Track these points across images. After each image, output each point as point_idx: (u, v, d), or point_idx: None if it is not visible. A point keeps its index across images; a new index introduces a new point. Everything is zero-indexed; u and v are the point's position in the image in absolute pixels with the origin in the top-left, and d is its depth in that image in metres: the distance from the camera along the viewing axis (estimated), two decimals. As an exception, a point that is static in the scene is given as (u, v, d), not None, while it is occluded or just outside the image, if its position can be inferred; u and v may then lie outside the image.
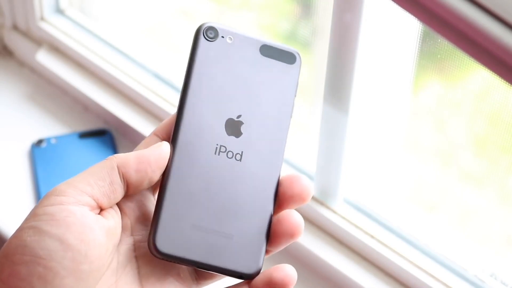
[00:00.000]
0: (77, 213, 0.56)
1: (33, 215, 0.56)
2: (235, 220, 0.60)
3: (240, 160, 0.61)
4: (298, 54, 0.64)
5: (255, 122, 0.62)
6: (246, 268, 0.59)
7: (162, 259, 0.58)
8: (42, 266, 0.54)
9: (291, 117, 0.64)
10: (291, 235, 0.59)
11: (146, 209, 0.60)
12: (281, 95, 0.64)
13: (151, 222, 0.59)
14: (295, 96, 0.64)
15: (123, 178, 0.58)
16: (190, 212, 0.59)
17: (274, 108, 0.63)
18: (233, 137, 0.61)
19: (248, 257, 0.59)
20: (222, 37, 0.63)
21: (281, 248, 0.60)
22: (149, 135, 0.63)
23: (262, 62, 0.64)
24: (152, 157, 0.58)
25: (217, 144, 0.61)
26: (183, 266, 0.60)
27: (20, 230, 0.55)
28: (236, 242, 0.59)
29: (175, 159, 0.59)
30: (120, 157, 0.58)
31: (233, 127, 0.62)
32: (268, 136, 0.63)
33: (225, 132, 0.61)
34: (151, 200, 0.61)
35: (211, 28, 0.63)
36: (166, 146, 0.59)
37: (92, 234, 0.56)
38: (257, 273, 0.59)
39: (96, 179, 0.57)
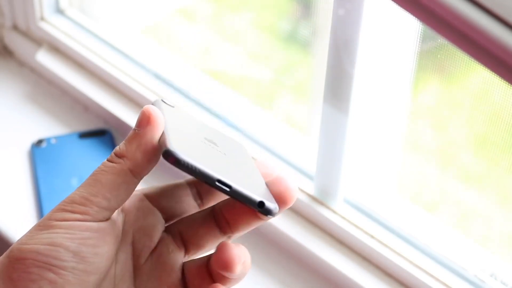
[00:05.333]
0: (94, 227, 0.56)
1: (46, 226, 0.55)
2: (239, 169, 0.59)
3: (225, 155, 0.61)
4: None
5: (228, 153, 0.62)
6: (267, 200, 0.56)
7: (180, 167, 0.54)
8: (54, 273, 0.54)
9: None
10: (284, 201, 0.58)
11: (149, 223, 0.60)
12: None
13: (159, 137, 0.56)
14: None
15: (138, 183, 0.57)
16: (197, 135, 0.58)
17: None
18: (214, 144, 0.61)
19: (264, 193, 0.56)
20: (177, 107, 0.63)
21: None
22: None
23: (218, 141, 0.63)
24: (152, 139, 0.57)
25: (203, 137, 0.61)
26: (180, 276, 0.59)
27: (31, 237, 0.55)
28: (248, 179, 0.57)
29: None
30: (130, 161, 0.56)
31: (211, 141, 0.61)
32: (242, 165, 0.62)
33: (206, 139, 0.61)
34: (156, 214, 0.61)
35: (165, 101, 0.62)
36: (157, 118, 0.57)
37: (107, 246, 0.56)
38: (276, 212, 0.56)
39: (113, 191, 0.56)
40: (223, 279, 0.58)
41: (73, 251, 0.55)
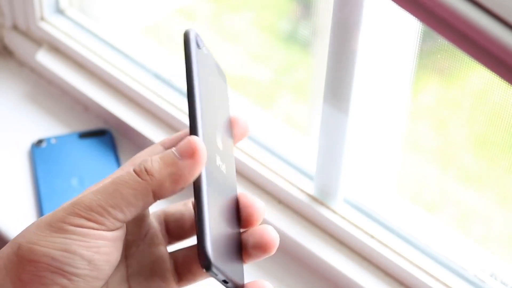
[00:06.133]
0: (108, 236, 0.55)
1: (60, 229, 0.55)
2: (232, 236, 0.60)
3: (225, 172, 0.61)
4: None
5: (223, 136, 0.62)
6: (242, 281, 0.59)
7: (210, 273, 0.55)
8: (67, 278, 0.54)
9: (232, 138, 0.64)
10: (266, 251, 0.60)
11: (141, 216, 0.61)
12: (227, 114, 0.64)
13: (199, 234, 0.55)
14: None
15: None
16: (220, 231, 0.58)
17: (227, 126, 0.63)
18: (219, 149, 0.61)
19: (240, 271, 0.60)
20: (203, 47, 0.62)
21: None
22: (155, 145, 0.62)
23: (219, 78, 0.64)
24: (189, 176, 0.56)
25: (216, 157, 0.60)
26: (169, 267, 0.61)
27: (43, 238, 0.55)
28: (236, 259, 0.60)
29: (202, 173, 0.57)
30: (157, 184, 0.55)
31: (218, 140, 0.61)
32: (228, 149, 0.63)
33: (217, 145, 0.60)
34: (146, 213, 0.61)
35: (198, 36, 0.61)
36: (202, 156, 0.56)
37: (117, 253, 0.56)
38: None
39: (131, 207, 0.55)
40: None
41: (88, 260, 0.55)
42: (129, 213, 0.56)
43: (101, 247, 0.55)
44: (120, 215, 0.55)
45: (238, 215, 0.61)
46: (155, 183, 0.55)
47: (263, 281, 0.59)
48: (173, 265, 0.61)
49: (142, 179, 0.55)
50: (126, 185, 0.55)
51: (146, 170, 0.55)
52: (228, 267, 0.57)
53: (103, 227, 0.55)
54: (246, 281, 0.60)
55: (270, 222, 0.95)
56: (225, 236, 0.58)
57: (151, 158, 0.56)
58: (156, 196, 0.56)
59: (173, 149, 0.56)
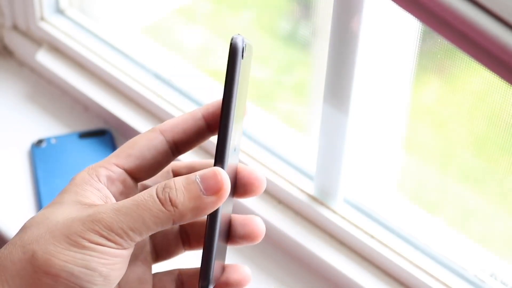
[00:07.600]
0: (124, 254, 0.56)
1: (78, 244, 0.55)
2: (225, 232, 0.61)
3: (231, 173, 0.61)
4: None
5: (239, 132, 0.62)
6: (223, 261, 0.62)
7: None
8: None
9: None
10: (253, 239, 0.62)
11: None
12: (246, 98, 0.63)
13: (204, 261, 0.57)
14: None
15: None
16: (220, 242, 0.59)
17: (243, 113, 0.62)
18: (233, 152, 0.60)
19: (223, 253, 0.62)
20: (246, 51, 0.59)
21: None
22: (151, 130, 0.62)
23: (249, 65, 0.62)
24: (210, 210, 0.57)
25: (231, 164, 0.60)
26: (149, 251, 0.63)
27: (61, 252, 0.55)
28: (223, 244, 0.61)
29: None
30: (179, 215, 0.56)
31: (235, 143, 0.61)
32: (239, 135, 0.62)
33: (233, 149, 0.60)
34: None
35: (244, 41, 0.58)
36: (226, 192, 0.57)
37: (126, 267, 0.57)
38: None
39: (149, 231, 0.56)
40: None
41: (104, 276, 0.55)
42: (146, 235, 0.56)
43: (116, 264, 0.56)
44: (138, 238, 0.56)
45: (235, 189, 0.62)
46: (178, 214, 0.56)
47: (243, 265, 0.62)
48: (151, 245, 0.63)
49: (166, 209, 0.56)
50: (149, 212, 0.55)
51: (170, 200, 0.56)
52: (217, 272, 0.58)
53: (120, 247, 0.56)
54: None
55: (270, 222, 0.95)
56: (222, 240, 0.59)
57: (175, 186, 0.56)
58: (175, 223, 0.56)
59: (198, 179, 0.56)
